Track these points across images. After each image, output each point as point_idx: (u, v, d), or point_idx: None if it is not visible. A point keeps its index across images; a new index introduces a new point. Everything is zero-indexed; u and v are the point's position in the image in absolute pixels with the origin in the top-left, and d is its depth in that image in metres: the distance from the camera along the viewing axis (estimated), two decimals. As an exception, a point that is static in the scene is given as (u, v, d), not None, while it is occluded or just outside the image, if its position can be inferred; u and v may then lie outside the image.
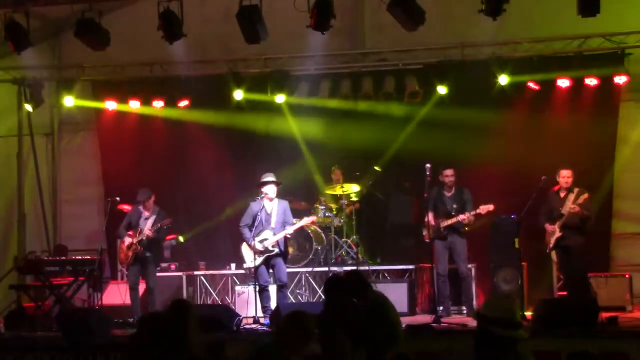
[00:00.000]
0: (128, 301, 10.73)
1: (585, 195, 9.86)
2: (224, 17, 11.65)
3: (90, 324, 9.28)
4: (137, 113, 12.83)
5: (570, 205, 9.84)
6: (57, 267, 10.97)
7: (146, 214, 10.83)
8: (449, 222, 10.35)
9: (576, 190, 9.98)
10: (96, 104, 12.87)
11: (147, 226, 10.69)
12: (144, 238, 10.60)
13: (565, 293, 10.50)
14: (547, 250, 10.20)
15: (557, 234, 9.97)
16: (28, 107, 12.61)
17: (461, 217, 10.27)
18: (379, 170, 11.99)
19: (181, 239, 12.37)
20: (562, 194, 10.08)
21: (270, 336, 6.85)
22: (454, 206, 10.42)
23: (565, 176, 10.02)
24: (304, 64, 12.23)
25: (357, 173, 12.03)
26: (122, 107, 12.67)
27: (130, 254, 10.65)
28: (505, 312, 4.18)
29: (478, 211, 10.23)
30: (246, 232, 10.18)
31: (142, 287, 10.89)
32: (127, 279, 11.11)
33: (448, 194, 10.57)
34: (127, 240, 10.72)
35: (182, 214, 12.49)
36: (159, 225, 10.63)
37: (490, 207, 10.20)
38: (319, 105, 12.27)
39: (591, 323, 8.42)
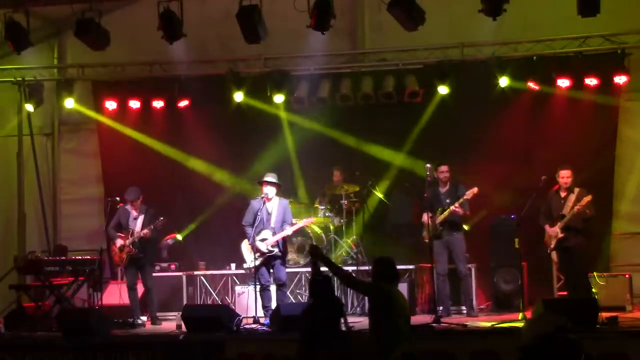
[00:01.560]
0: (128, 301, 10.73)
1: (589, 198, 9.79)
2: (224, 17, 11.65)
3: (90, 324, 9.28)
4: (137, 113, 12.84)
5: (576, 207, 9.78)
6: (57, 267, 10.95)
7: (134, 213, 10.82)
8: (442, 216, 10.35)
9: (577, 190, 9.93)
10: (95, 111, 12.92)
11: (138, 227, 10.68)
12: (136, 240, 10.59)
13: (565, 293, 10.49)
14: (548, 251, 10.17)
15: (559, 235, 9.92)
16: (28, 107, 12.62)
17: (452, 208, 10.26)
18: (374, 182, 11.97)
19: (179, 237, 12.36)
20: (562, 194, 10.03)
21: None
22: (447, 201, 10.42)
23: (564, 176, 9.96)
24: (304, 64, 12.24)
25: (358, 173, 12.03)
26: (122, 108, 12.72)
27: (124, 256, 10.64)
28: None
29: (465, 197, 10.22)
30: (249, 231, 10.18)
31: (141, 287, 10.88)
32: (125, 280, 11.08)
33: (443, 191, 10.58)
34: (119, 242, 10.70)
35: (182, 214, 12.50)
36: (152, 226, 10.61)
37: (475, 189, 10.18)
38: (318, 105, 12.29)
39: (591, 323, 8.42)
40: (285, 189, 11.00)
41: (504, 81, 11.30)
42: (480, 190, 10.35)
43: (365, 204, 11.93)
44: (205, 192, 12.58)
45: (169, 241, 12.23)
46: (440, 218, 10.37)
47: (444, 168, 10.53)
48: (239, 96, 12.13)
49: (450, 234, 10.45)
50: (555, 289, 10.92)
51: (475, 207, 10.71)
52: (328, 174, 12.20)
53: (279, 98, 12.03)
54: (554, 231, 9.93)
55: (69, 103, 12.59)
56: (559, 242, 9.94)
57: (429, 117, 11.92)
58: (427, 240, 10.34)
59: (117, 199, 11.25)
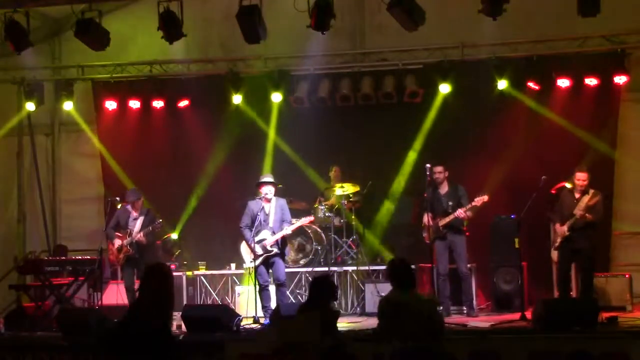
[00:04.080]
0: (127, 301, 10.72)
1: (597, 198, 9.76)
2: (224, 17, 11.67)
3: (90, 324, 9.27)
4: (137, 113, 12.85)
5: (578, 211, 9.77)
6: (57, 267, 10.95)
7: (135, 214, 10.82)
8: (447, 220, 10.32)
9: (591, 192, 9.84)
10: (95, 111, 12.97)
11: (137, 228, 10.67)
12: (134, 241, 10.59)
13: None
14: (553, 249, 10.13)
15: (565, 233, 9.89)
16: (29, 107, 12.58)
17: (458, 212, 10.23)
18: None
19: (175, 236, 12.36)
20: (577, 195, 9.95)
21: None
22: (450, 203, 10.39)
23: (580, 179, 9.84)
24: (304, 64, 12.24)
25: (357, 173, 12.04)
26: (122, 108, 12.76)
27: (121, 256, 10.64)
28: None
29: (473, 204, 10.18)
30: (247, 233, 10.18)
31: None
32: (123, 280, 11.07)
33: (443, 192, 10.53)
34: (117, 243, 10.70)
35: (180, 213, 12.50)
36: (150, 228, 10.61)
37: (485, 197, 10.13)
38: (318, 105, 12.29)
39: (591, 323, 8.42)
40: (285, 190, 11.01)
41: (502, 84, 11.31)
42: (480, 190, 10.34)
43: (364, 204, 11.94)
44: (204, 192, 12.57)
45: (166, 239, 12.25)
46: (444, 222, 10.34)
47: (439, 169, 10.48)
48: (237, 99, 12.14)
49: (453, 235, 10.43)
50: (555, 289, 10.90)
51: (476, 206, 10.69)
52: (327, 174, 12.21)
53: (278, 98, 12.04)
54: (562, 230, 9.89)
55: (68, 106, 12.61)
56: (566, 242, 9.90)
57: (429, 118, 11.91)
58: (428, 242, 10.33)
59: (117, 199, 11.27)
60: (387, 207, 12.26)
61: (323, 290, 7.02)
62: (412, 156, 11.96)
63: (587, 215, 9.73)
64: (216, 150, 12.56)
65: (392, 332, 6.56)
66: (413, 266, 11.07)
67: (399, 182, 12.17)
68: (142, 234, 10.58)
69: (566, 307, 8.94)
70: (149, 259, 10.98)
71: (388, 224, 12.31)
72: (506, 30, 10.90)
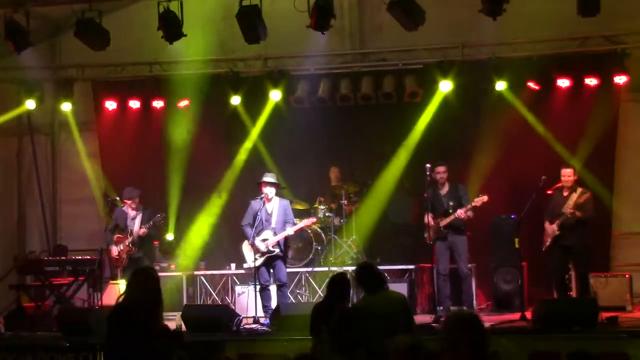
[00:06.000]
0: (128, 301, 10.72)
1: (586, 195, 9.81)
2: (224, 17, 11.66)
3: (90, 324, 9.28)
4: (137, 113, 12.85)
5: (568, 209, 9.79)
6: (57, 267, 10.96)
7: (132, 213, 10.82)
8: (447, 220, 10.32)
9: (579, 190, 9.92)
10: (95, 111, 12.96)
11: (136, 226, 10.68)
12: (135, 239, 10.60)
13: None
14: (543, 249, 10.16)
15: (556, 232, 9.92)
16: (29, 106, 12.54)
17: (458, 213, 10.21)
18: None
19: (171, 236, 12.36)
20: (565, 193, 10.01)
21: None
22: (450, 203, 10.38)
23: (565, 175, 9.96)
24: (304, 64, 12.24)
25: (357, 173, 12.03)
26: (122, 108, 12.76)
27: (124, 256, 10.65)
28: None
29: (473, 204, 10.17)
30: (248, 231, 10.20)
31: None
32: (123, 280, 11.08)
33: (443, 192, 10.52)
34: (119, 246, 10.72)
35: (180, 213, 12.50)
36: (152, 223, 10.62)
37: (485, 198, 10.12)
38: (318, 105, 12.29)
39: (591, 323, 8.42)
40: (285, 190, 11.01)
41: (501, 85, 11.31)
42: (480, 190, 10.35)
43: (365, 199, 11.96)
44: (205, 191, 12.57)
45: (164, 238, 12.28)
46: (445, 222, 10.33)
47: (441, 169, 10.46)
48: (236, 99, 12.14)
49: (454, 235, 10.41)
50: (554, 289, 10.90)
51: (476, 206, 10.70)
52: (327, 174, 12.20)
53: (277, 97, 12.04)
54: (552, 228, 9.93)
55: (67, 107, 12.61)
56: (557, 241, 9.93)
57: (429, 118, 11.91)
58: (429, 242, 10.32)
59: (117, 198, 11.28)
60: (387, 207, 12.24)
61: (342, 289, 7.05)
62: (411, 156, 11.95)
63: (576, 212, 9.75)
64: (216, 150, 12.55)
65: (362, 341, 6.44)
66: (413, 266, 11.26)
67: (399, 182, 12.16)
68: (142, 230, 10.59)
69: (566, 307, 8.95)
70: (151, 258, 11.02)
71: (388, 224, 12.30)
72: (506, 30, 10.90)
